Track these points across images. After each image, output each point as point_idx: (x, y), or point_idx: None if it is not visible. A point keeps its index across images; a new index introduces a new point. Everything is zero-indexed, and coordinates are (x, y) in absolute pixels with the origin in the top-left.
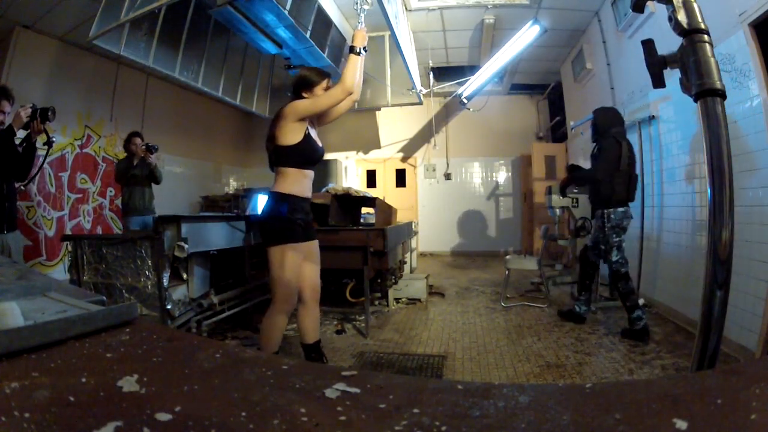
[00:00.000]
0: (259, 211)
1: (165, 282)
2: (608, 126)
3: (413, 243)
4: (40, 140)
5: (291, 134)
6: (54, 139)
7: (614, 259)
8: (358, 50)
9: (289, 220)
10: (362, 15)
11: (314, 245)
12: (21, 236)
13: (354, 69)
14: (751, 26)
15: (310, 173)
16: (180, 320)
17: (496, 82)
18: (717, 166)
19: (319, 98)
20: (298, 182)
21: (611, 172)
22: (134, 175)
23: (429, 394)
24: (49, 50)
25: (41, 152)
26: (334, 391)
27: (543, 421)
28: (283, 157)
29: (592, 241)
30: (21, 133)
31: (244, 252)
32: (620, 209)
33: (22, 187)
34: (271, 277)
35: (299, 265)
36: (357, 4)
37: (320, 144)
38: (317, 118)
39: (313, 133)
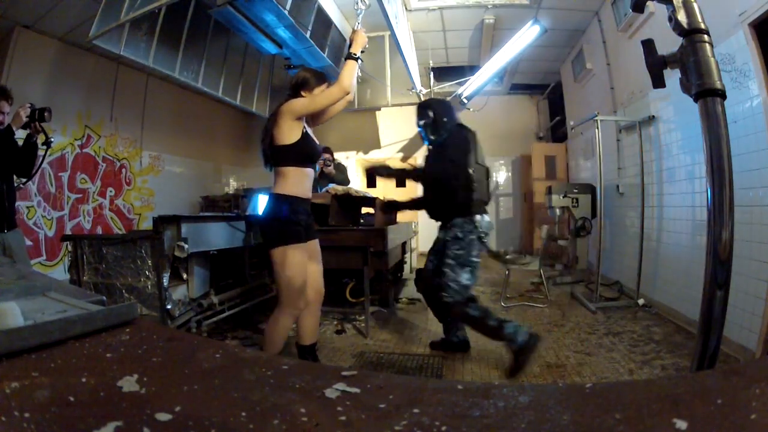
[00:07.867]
0: (260, 212)
1: (165, 282)
2: (450, 116)
3: (413, 243)
4: (39, 140)
5: (289, 133)
6: (53, 140)
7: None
8: (356, 56)
9: (291, 221)
10: (360, 15)
11: (316, 244)
12: (22, 234)
13: (352, 72)
14: (751, 26)
15: (310, 171)
16: (180, 320)
17: (496, 82)
18: (717, 166)
19: (317, 97)
20: (299, 182)
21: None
22: None
23: (429, 394)
24: (49, 50)
25: (40, 152)
26: (334, 391)
27: (543, 421)
28: (283, 157)
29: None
30: (22, 134)
31: (244, 252)
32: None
33: (21, 185)
34: (276, 280)
35: (305, 265)
36: (357, 4)
37: (317, 142)
38: (311, 119)
39: (310, 131)
